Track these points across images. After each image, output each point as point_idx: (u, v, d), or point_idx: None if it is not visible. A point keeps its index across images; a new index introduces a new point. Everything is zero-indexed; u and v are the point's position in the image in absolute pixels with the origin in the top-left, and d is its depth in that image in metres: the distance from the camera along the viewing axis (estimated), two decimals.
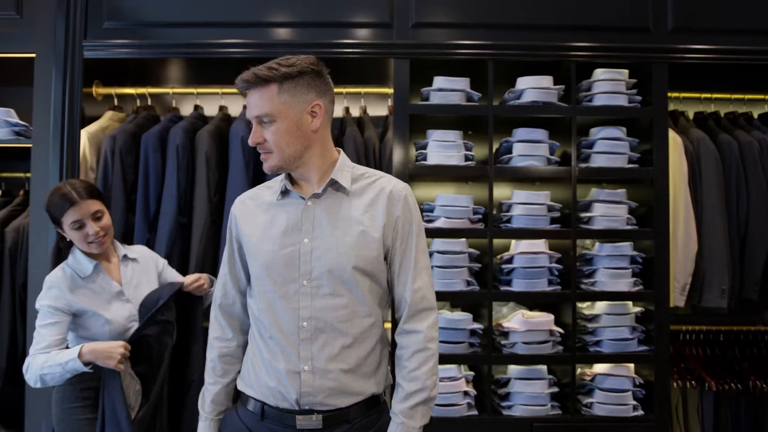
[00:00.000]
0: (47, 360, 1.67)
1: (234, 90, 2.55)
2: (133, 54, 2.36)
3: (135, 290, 1.88)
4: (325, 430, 1.39)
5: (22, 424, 2.54)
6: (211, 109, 2.66)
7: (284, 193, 1.45)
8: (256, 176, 2.40)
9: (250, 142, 1.39)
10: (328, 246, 1.39)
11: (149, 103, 2.63)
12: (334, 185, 1.42)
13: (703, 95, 2.60)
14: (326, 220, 1.41)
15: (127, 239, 2.36)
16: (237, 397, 1.55)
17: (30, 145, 2.35)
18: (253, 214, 1.48)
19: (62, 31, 2.31)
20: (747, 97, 2.61)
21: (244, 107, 2.55)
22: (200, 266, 2.32)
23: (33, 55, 2.35)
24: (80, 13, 2.33)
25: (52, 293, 1.76)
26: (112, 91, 2.54)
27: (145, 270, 1.95)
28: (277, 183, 1.49)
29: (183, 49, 2.36)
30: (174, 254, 2.34)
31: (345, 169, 1.44)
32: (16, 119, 2.44)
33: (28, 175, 2.58)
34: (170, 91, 2.58)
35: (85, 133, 2.37)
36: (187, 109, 2.66)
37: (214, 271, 2.37)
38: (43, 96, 2.32)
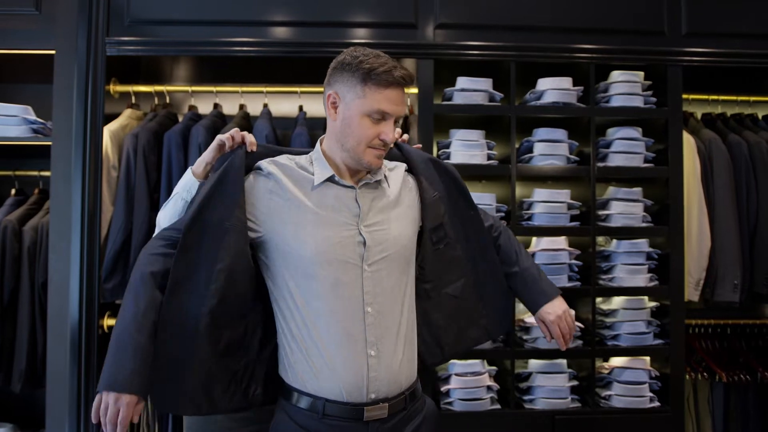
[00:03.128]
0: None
1: (253, 88, 2.56)
2: (157, 52, 2.34)
3: None
4: (388, 419, 1.41)
5: (40, 426, 2.52)
6: (228, 108, 2.66)
7: (328, 178, 1.45)
8: None
9: (391, 139, 1.41)
10: (385, 230, 1.44)
11: (168, 101, 2.62)
12: (382, 180, 1.50)
13: (711, 97, 2.68)
14: (376, 205, 1.47)
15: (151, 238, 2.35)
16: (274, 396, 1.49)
17: (49, 143, 2.31)
18: (294, 193, 1.42)
19: (84, 28, 2.28)
20: (752, 99, 2.71)
21: (264, 105, 2.57)
22: None
23: (52, 52, 2.31)
24: (102, 10, 2.31)
25: None
26: (130, 88, 2.51)
27: None
28: (306, 163, 1.47)
29: (207, 47, 2.34)
30: None
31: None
32: (33, 117, 2.40)
33: (43, 173, 2.56)
34: (189, 89, 2.57)
35: (107, 131, 2.35)
36: (202, 108, 2.65)
37: None
38: (64, 93, 2.28)
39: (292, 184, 1.44)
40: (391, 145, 1.47)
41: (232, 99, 2.66)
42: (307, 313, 1.39)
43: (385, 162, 1.56)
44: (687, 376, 2.51)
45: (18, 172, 2.60)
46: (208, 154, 1.48)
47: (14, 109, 2.37)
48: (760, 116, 2.75)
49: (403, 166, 1.61)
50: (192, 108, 2.60)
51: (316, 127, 2.62)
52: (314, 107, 2.68)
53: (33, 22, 2.34)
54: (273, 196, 1.43)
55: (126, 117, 2.51)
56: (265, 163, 1.47)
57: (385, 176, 1.52)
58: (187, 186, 1.47)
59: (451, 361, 2.33)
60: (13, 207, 2.51)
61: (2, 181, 2.62)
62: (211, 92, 2.59)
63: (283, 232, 1.41)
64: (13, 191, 2.59)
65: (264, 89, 2.55)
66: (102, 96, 2.29)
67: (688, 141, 2.48)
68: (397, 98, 1.40)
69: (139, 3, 2.34)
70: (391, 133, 1.41)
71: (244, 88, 2.56)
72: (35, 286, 2.35)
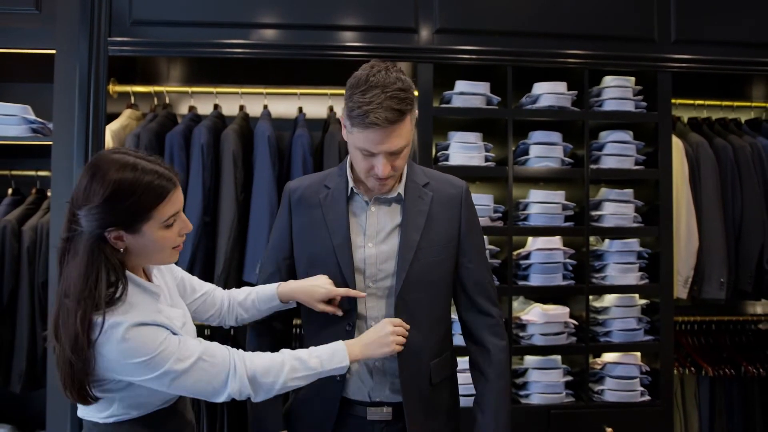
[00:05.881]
0: (278, 364, 1.27)
1: (253, 90, 2.59)
2: (159, 53, 2.36)
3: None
4: (393, 422, 1.46)
5: (37, 427, 2.51)
6: (226, 109, 2.67)
7: (349, 194, 1.49)
8: (282, 175, 2.45)
9: (383, 174, 1.35)
10: (392, 251, 1.46)
11: (167, 101, 2.63)
12: (398, 196, 1.49)
13: (697, 101, 2.78)
14: (389, 224, 1.48)
15: None
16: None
17: (49, 143, 2.31)
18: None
19: (86, 28, 2.28)
20: (735, 104, 2.81)
21: (265, 107, 2.59)
22: (228, 266, 2.33)
23: (52, 51, 2.31)
24: (105, 11, 2.31)
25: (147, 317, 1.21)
26: (129, 89, 2.52)
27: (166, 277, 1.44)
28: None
29: (209, 48, 2.35)
30: (199, 254, 2.34)
31: (410, 176, 1.51)
32: (33, 116, 2.40)
33: (41, 173, 2.56)
34: (189, 90, 2.58)
35: (108, 131, 2.35)
36: (200, 109, 2.66)
37: (239, 271, 2.40)
38: (65, 93, 2.28)
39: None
40: (386, 179, 1.39)
41: (229, 99, 2.68)
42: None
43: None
44: (675, 371, 2.60)
45: (14, 172, 2.58)
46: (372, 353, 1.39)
47: (13, 109, 2.36)
48: (743, 121, 2.86)
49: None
50: (192, 108, 2.61)
51: (314, 129, 2.65)
52: (313, 109, 2.71)
53: (32, 21, 2.34)
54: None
55: (126, 117, 2.51)
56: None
57: (400, 193, 1.48)
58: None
59: None
60: (10, 207, 2.49)
61: None
62: (211, 93, 2.60)
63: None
64: (9, 191, 2.57)
65: (264, 90, 2.57)
66: (104, 96, 2.30)
67: (677, 144, 2.57)
68: (379, 138, 1.32)
69: (141, 4, 2.35)
70: (381, 167, 1.35)
71: (244, 90, 2.59)
72: (35, 286, 2.34)
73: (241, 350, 1.27)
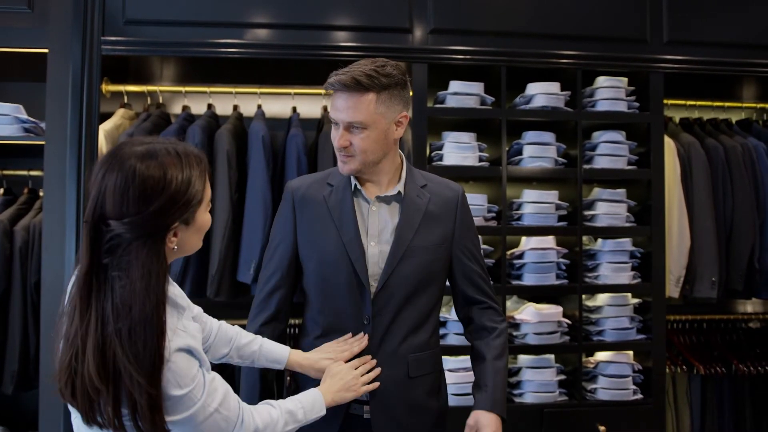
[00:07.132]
0: (275, 420, 1.22)
1: (247, 89, 2.58)
2: (153, 52, 2.35)
3: None
4: None
5: (29, 428, 2.50)
6: (219, 109, 2.66)
7: (352, 192, 1.50)
8: (276, 175, 2.45)
9: (337, 144, 1.41)
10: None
11: (160, 101, 2.62)
12: (398, 195, 1.51)
13: (688, 102, 2.79)
14: (390, 223, 1.49)
15: None
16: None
17: (42, 143, 2.30)
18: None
19: (79, 28, 2.27)
20: (726, 104, 2.84)
21: (259, 107, 2.59)
22: (222, 266, 2.33)
23: (45, 50, 2.30)
24: (98, 10, 2.30)
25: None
26: (122, 88, 2.51)
27: None
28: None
29: (203, 48, 2.35)
30: (193, 254, 2.32)
31: (409, 177, 1.53)
32: (25, 115, 2.38)
33: (33, 173, 2.54)
34: (183, 89, 2.57)
35: (101, 131, 2.34)
36: (193, 108, 2.65)
37: (233, 271, 2.40)
38: (58, 93, 2.27)
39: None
40: (342, 152, 1.42)
41: (223, 99, 2.67)
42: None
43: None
44: (667, 369, 2.62)
45: (6, 172, 2.57)
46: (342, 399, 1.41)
47: (6, 108, 2.35)
48: (733, 121, 2.89)
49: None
50: (185, 108, 2.60)
51: (308, 129, 2.65)
52: (307, 108, 2.71)
53: (25, 20, 2.32)
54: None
55: (119, 117, 2.50)
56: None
57: (400, 192, 1.50)
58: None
59: (444, 357, 2.39)
60: (2, 207, 2.48)
61: None
62: (204, 92, 2.59)
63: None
64: (1, 191, 2.55)
65: (258, 90, 2.57)
66: (97, 95, 2.29)
67: (669, 144, 2.59)
68: (341, 104, 1.37)
69: (135, 3, 2.35)
70: (338, 137, 1.40)
71: (238, 89, 2.58)
72: (27, 287, 2.33)
73: (243, 403, 1.17)
